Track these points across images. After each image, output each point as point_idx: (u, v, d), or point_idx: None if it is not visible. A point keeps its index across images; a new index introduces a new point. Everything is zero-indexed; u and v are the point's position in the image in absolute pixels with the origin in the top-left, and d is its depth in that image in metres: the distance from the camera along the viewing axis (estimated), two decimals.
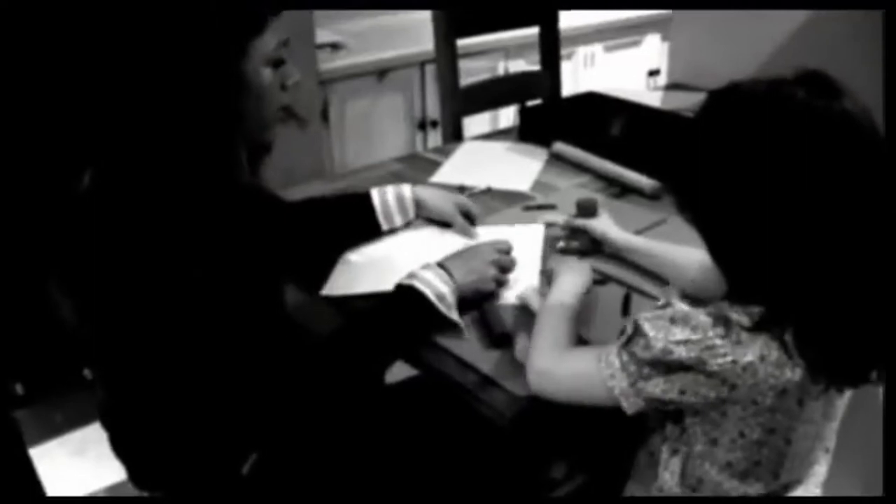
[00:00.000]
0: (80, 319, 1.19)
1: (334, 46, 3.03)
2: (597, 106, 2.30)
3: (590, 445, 1.65)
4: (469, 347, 1.33)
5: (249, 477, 1.26)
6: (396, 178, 2.01)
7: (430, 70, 3.12)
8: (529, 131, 2.24)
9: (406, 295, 1.31)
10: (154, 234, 1.08)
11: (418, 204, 1.70)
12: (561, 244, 1.62)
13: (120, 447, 1.33)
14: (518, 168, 2.06)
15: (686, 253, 1.40)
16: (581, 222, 1.58)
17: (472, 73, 2.73)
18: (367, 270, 1.57)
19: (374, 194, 1.67)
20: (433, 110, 3.19)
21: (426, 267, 1.35)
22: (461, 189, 1.92)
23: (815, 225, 0.94)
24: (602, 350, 1.09)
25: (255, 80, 1.15)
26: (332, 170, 2.92)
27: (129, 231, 1.09)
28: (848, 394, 1.12)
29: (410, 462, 1.44)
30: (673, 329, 1.01)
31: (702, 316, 1.01)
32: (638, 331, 1.04)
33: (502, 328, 1.35)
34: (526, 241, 1.63)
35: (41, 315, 2.15)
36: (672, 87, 2.75)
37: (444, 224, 1.72)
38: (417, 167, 2.10)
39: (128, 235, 1.09)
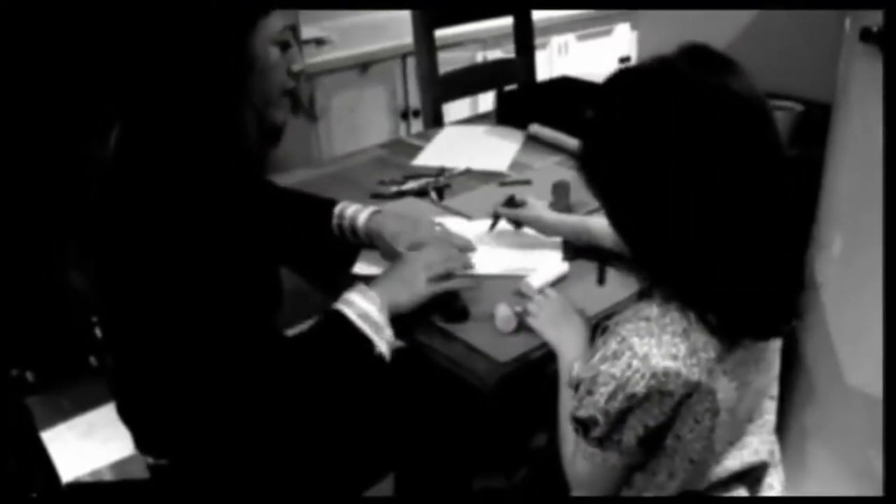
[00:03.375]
0: (93, 283, 1.19)
1: (319, 42, 3.01)
2: (570, 89, 2.29)
3: None
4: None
5: (249, 444, 1.25)
6: (380, 163, 2.00)
7: (412, 62, 3.09)
8: (506, 115, 2.23)
9: (330, 319, 1.24)
10: (171, 201, 1.09)
11: (370, 234, 1.51)
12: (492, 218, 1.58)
13: (126, 412, 1.33)
14: (496, 149, 2.05)
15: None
16: (511, 212, 1.54)
17: (452, 63, 2.71)
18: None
19: (336, 209, 1.55)
20: (415, 100, 3.17)
21: (352, 289, 1.27)
22: (441, 171, 1.90)
23: (700, 192, 0.93)
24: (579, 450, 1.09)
25: (262, 55, 1.14)
26: (319, 159, 2.89)
27: (147, 198, 1.09)
28: (777, 343, 1.12)
29: (398, 430, 1.43)
30: (599, 389, 1.01)
31: (613, 344, 1.00)
32: (583, 422, 1.04)
33: (462, 304, 1.32)
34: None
35: (50, 308, 2.14)
36: None
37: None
38: (400, 152, 2.08)
39: (146, 202, 1.09)
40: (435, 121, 2.39)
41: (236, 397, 1.16)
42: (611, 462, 1.07)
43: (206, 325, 1.12)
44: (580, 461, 1.11)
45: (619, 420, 1.01)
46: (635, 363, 0.98)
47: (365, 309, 1.23)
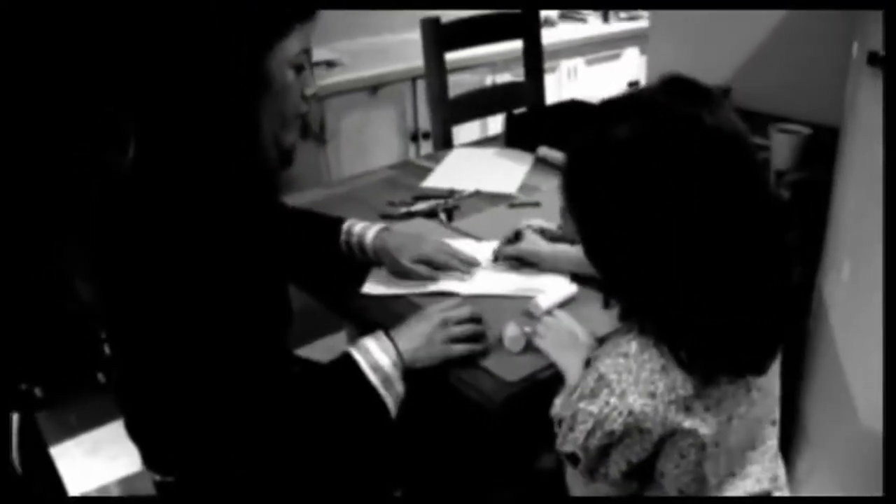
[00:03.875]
0: (102, 296, 1.18)
1: (329, 64, 3.03)
2: (579, 112, 2.29)
3: None
4: None
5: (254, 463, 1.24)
6: (390, 184, 2.00)
7: (421, 84, 3.11)
8: (515, 137, 2.23)
9: (343, 363, 1.21)
10: (185, 218, 1.10)
11: (377, 251, 1.52)
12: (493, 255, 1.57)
13: (134, 428, 1.32)
14: (505, 172, 2.05)
15: None
16: (511, 249, 1.53)
17: (461, 85, 2.72)
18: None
19: (344, 226, 1.55)
20: (424, 122, 3.18)
21: (372, 336, 1.24)
22: (451, 193, 1.91)
23: (675, 224, 0.93)
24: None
25: (279, 77, 1.15)
26: (328, 179, 2.90)
27: (162, 213, 1.09)
28: (775, 368, 1.10)
29: (404, 447, 1.42)
30: (578, 427, 1.01)
31: (591, 381, 1.00)
32: (568, 457, 1.05)
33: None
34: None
35: (59, 323, 2.14)
36: None
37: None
38: (410, 173, 2.08)
39: (161, 217, 1.09)
40: (445, 143, 2.39)
41: (242, 418, 1.15)
42: (602, 491, 1.07)
43: (214, 342, 1.12)
44: (576, 488, 1.12)
45: (600, 456, 1.01)
46: (612, 401, 0.97)
47: (379, 361, 1.21)
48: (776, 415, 1.15)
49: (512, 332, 1.27)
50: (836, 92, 1.63)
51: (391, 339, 1.23)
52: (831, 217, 1.58)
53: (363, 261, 1.53)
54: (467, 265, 1.52)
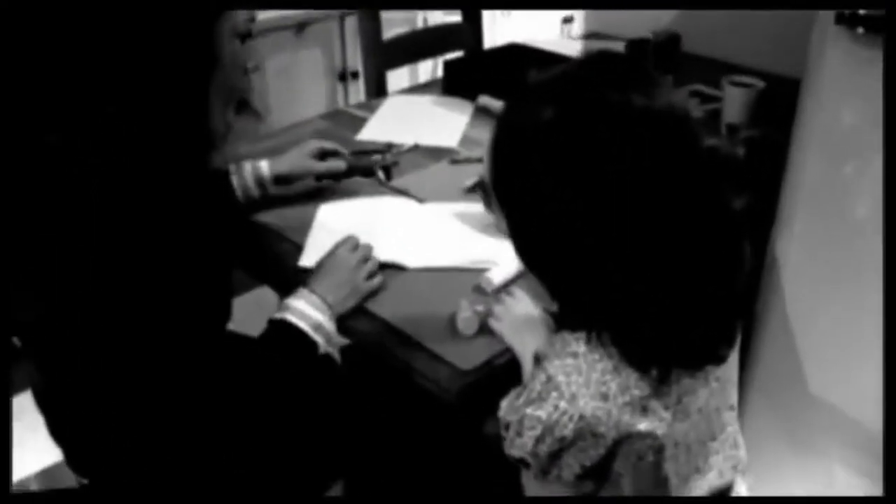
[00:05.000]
0: (19, 292, 1.03)
1: None
2: (519, 58, 2.17)
3: None
4: (407, 318, 1.21)
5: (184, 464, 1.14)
6: (322, 136, 1.84)
7: (350, 23, 2.95)
8: (454, 85, 2.10)
9: (283, 331, 1.15)
10: (122, 197, 0.96)
11: (277, 178, 1.50)
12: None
13: (56, 431, 1.22)
14: (444, 123, 1.93)
15: None
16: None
17: (391, 23, 2.56)
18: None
19: (232, 170, 1.48)
20: (353, 62, 3.02)
21: (297, 295, 1.19)
22: (388, 146, 1.78)
23: (610, 211, 0.84)
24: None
25: (227, 48, 1.03)
26: (255, 130, 2.73)
27: (93, 192, 0.95)
28: (733, 356, 1.03)
29: (348, 432, 1.33)
30: (527, 433, 0.92)
31: (538, 384, 0.91)
32: (517, 460, 0.96)
33: None
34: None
35: None
36: (589, 36, 2.63)
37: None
38: (343, 124, 1.94)
39: (90, 196, 0.95)
40: (378, 89, 2.24)
41: (180, 414, 1.05)
42: (558, 492, 0.99)
43: (146, 333, 0.99)
44: (531, 488, 1.03)
45: (551, 460, 0.93)
46: (562, 405, 0.89)
47: (317, 319, 1.16)
48: (734, 399, 1.08)
49: (465, 313, 1.17)
50: (795, 41, 1.55)
51: (317, 294, 1.19)
52: (787, 174, 1.51)
53: (263, 199, 1.50)
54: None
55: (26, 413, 1.24)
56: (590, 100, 0.85)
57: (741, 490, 1.12)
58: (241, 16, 1.04)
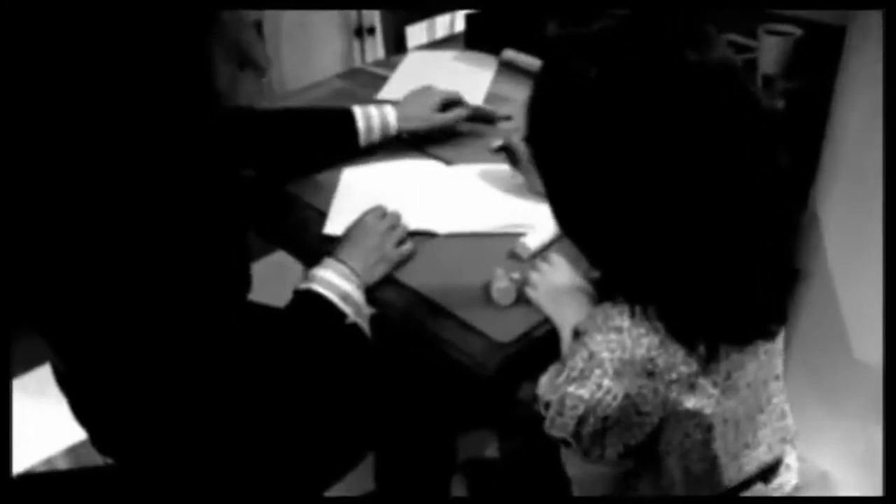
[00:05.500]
0: (30, 266, 0.97)
1: None
2: (543, 9, 2.08)
3: None
4: (439, 288, 1.16)
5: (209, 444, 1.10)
6: (341, 96, 1.79)
7: None
8: (476, 39, 2.02)
9: (310, 302, 1.11)
10: (115, 170, 0.90)
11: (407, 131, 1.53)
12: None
13: (79, 411, 1.18)
14: (468, 80, 1.85)
15: None
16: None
17: None
18: (369, 204, 1.32)
19: (358, 115, 1.48)
20: (369, 17, 2.93)
21: (324, 265, 1.14)
22: None
23: (662, 180, 0.79)
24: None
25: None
26: (269, 84, 2.66)
27: (88, 161, 0.90)
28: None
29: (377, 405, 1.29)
30: (568, 413, 0.87)
31: (580, 361, 0.86)
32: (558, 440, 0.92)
33: None
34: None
35: None
36: None
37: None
38: (362, 83, 1.87)
39: (87, 166, 0.90)
40: (397, 45, 2.16)
41: (205, 389, 1.01)
42: (599, 471, 0.95)
43: (169, 307, 0.94)
44: (571, 466, 1.00)
45: (594, 440, 0.88)
46: (606, 383, 0.84)
47: (345, 289, 1.11)
48: (780, 369, 1.03)
49: (501, 282, 1.11)
50: None
51: (345, 264, 1.14)
52: (829, 130, 1.44)
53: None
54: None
55: (51, 385, 1.21)
56: (639, 56, 0.78)
57: (790, 461, 1.08)
58: None
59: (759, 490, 1.02)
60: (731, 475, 0.98)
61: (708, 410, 0.88)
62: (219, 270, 1.01)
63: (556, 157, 0.86)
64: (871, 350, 1.46)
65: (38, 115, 0.91)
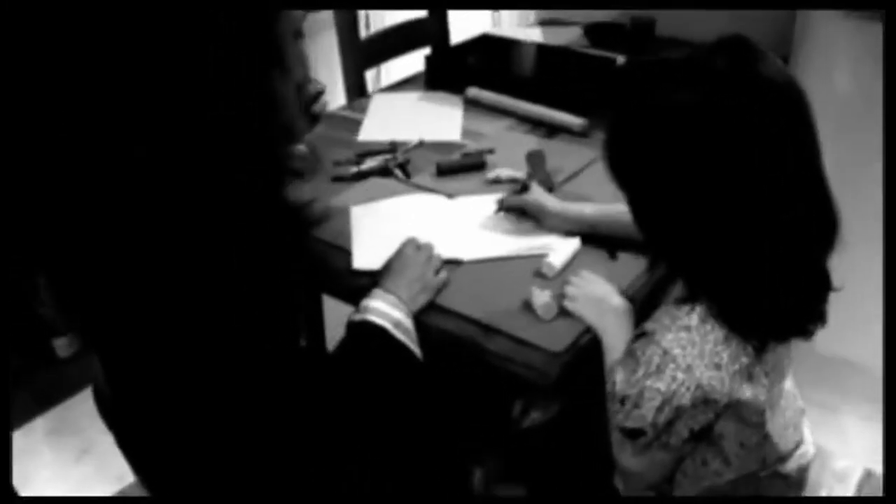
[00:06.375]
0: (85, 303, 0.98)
1: None
2: (494, 48, 2.21)
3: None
4: (481, 309, 1.23)
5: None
6: (323, 142, 1.83)
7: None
8: (437, 79, 2.12)
9: (365, 332, 1.14)
10: (201, 224, 0.92)
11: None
12: (497, 205, 1.47)
13: (128, 447, 1.19)
14: (440, 117, 1.95)
15: (620, 210, 1.29)
16: (516, 199, 1.44)
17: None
18: (389, 237, 1.37)
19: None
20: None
21: (372, 296, 1.18)
22: (393, 145, 1.78)
23: (733, 189, 0.90)
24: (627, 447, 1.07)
25: (289, 48, 0.99)
26: None
27: (175, 218, 0.91)
28: None
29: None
30: (646, 405, 0.97)
31: (656, 358, 0.97)
32: (631, 432, 1.02)
33: None
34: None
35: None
36: (545, 22, 2.67)
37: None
38: (338, 127, 1.92)
39: (173, 223, 0.91)
40: (359, 90, 2.24)
41: (274, 435, 1.03)
42: (659, 458, 1.05)
43: (240, 350, 0.96)
44: (628, 457, 1.08)
45: (666, 428, 0.99)
46: (680, 376, 0.95)
47: (395, 317, 1.15)
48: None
49: (542, 298, 1.20)
50: (772, 19, 1.61)
51: (393, 293, 1.18)
52: None
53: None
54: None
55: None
56: (727, 79, 0.89)
57: (807, 434, 1.20)
58: (298, 13, 1.01)
59: (796, 457, 1.14)
60: (778, 450, 1.09)
61: (762, 397, 0.99)
62: (278, 316, 1.03)
63: (646, 172, 0.96)
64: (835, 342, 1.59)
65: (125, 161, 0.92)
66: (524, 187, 1.45)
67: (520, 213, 1.45)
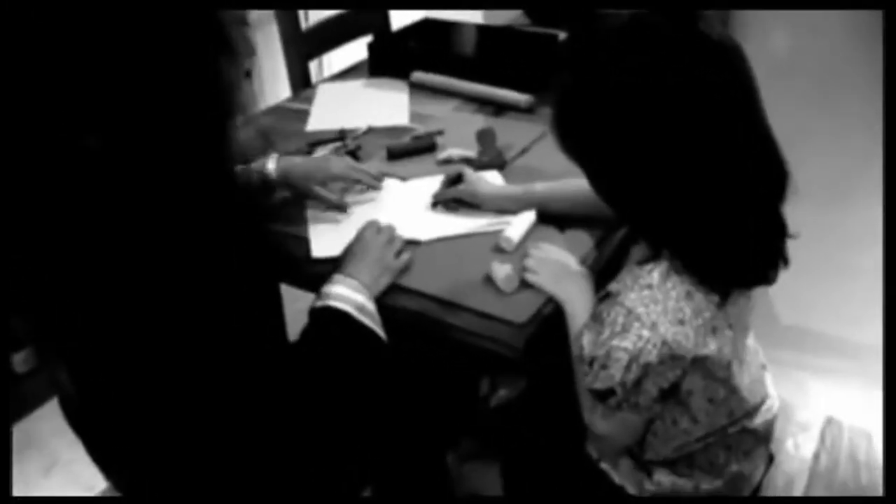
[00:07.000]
0: (52, 306, 0.96)
1: None
2: (436, 31, 2.20)
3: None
4: (443, 287, 1.23)
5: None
6: (273, 134, 1.82)
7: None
8: (380, 66, 2.11)
9: (328, 317, 1.14)
10: (158, 217, 0.90)
11: (283, 177, 1.45)
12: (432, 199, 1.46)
13: (97, 452, 1.17)
14: (387, 102, 1.94)
15: (567, 186, 1.34)
16: (451, 191, 1.44)
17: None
18: (346, 224, 1.41)
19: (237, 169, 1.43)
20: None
21: (333, 282, 1.17)
22: (342, 133, 1.77)
23: (684, 143, 0.91)
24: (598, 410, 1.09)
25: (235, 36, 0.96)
26: None
27: (130, 210, 0.89)
28: None
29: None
30: (613, 364, 0.98)
31: (620, 318, 0.98)
32: (600, 393, 1.03)
33: None
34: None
35: None
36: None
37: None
38: (286, 118, 1.91)
39: (128, 215, 0.89)
40: (304, 81, 2.22)
41: (254, 427, 1.03)
42: (630, 420, 1.07)
43: (209, 352, 0.95)
44: (599, 420, 1.10)
45: (634, 387, 1.00)
46: (645, 333, 0.96)
47: (358, 301, 1.15)
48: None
49: (503, 271, 1.20)
50: None
51: (354, 278, 1.18)
52: None
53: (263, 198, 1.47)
54: (377, 179, 1.50)
55: None
56: (673, 41, 0.90)
57: (770, 387, 1.22)
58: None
59: (762, 411, 1.16)
60: (746, 404, 1.11)
61: (727, 350, 1.01)
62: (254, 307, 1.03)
63: (599, 136, 0.96)
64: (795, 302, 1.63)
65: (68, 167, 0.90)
66: (457, 179, 1.44)
67: (457, 202, 1.44)
